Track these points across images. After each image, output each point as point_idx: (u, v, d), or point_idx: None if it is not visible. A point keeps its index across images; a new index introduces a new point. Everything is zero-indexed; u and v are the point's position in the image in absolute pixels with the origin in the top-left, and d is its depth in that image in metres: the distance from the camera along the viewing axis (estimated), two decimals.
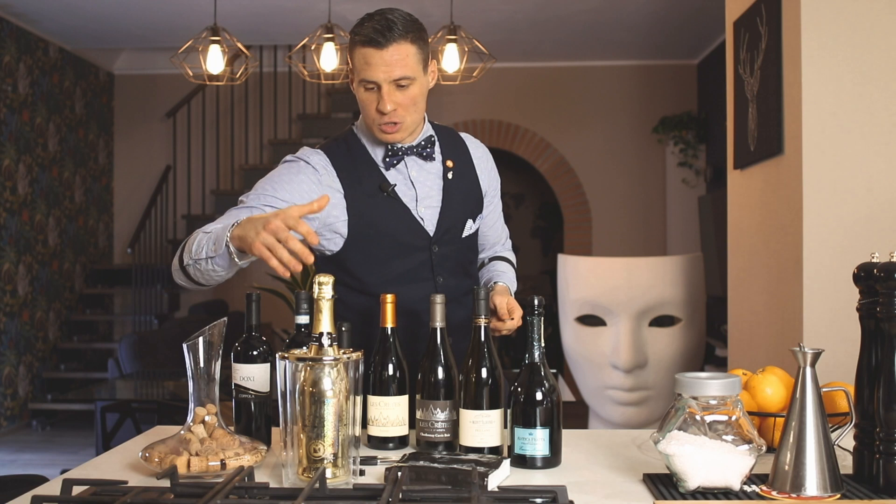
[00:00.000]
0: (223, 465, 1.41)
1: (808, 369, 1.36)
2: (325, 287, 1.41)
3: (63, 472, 1.55)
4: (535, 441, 1.50)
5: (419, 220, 1.92)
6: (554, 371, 1.60)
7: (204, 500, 1.17)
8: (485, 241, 2.13)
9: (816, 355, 1.37)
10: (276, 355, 1.41)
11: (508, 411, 1.56)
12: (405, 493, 1.23)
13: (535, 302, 1.56)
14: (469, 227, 1.99)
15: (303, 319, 1.73)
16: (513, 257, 2.19)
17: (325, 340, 1.41)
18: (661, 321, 4.42)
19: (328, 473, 1.37)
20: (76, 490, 1.30)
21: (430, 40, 5.70)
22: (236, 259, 1.60)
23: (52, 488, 1.37)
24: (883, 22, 2.88)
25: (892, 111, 2.88)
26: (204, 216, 7.77)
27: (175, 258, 1.76)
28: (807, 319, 2.89)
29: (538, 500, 1.25)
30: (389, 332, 1.68)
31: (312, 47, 5.19)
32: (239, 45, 5.10)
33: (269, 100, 7.87)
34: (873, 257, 1.43)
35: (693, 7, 6.14)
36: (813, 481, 1.32)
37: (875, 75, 2.88)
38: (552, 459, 1.52)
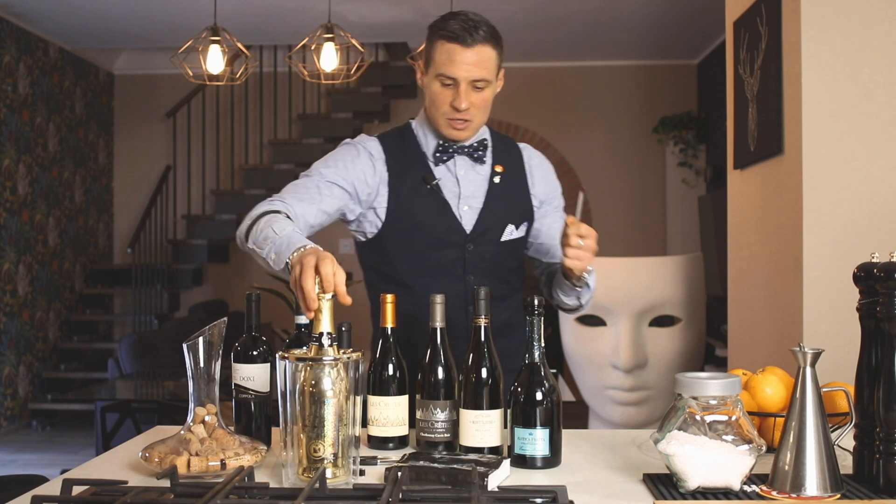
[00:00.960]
0: (223, 465, 1.41)
1: (808, 369, 1.36)
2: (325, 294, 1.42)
3: (63, 472, 1.54)
4: (535, 441, 1.50)
5: (458, 216, 1.95)
6: (554, 371, 1.60)
7: (204, 500, 1.17)
8: (548, 253, 2.09)
9: (816, 355, 1.37)
10: (276, 355, 1.41)
11: (508, 411, 1.56)
12: (405, 493, 1.23)
13: (535, 302, 1.56)
14: (510, 233, 1.99)
15: (303, 319, 1.73)
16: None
17: (325, 340, 1.41)
18: (661, 321, 4.41)
19: (328, 473, 1.37)
20: (76, 490, 1.30)
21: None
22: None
23: (52, 488, 1.37)
24: (883, 22, 2.88)
25: (892, 111, 2.88)
26: (204, 216, 7.77)
27: (244, 227, 1.77)
28: (807, 319, 2.89)
29: (538, 500, 1.25)
30: (389, 332, 1.68)
31: (312, 47, 5.19)
32: (239, 45, 5.10)
33: (269, 100, 7.87)
34: (873, 257, 1.43)
35: (693, 7, 6.14)
36: (813, 481, 1.32)
37: (875, 75, 2.88)
38: (552, 459, 1.52)
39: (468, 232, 1.95)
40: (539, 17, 6.37)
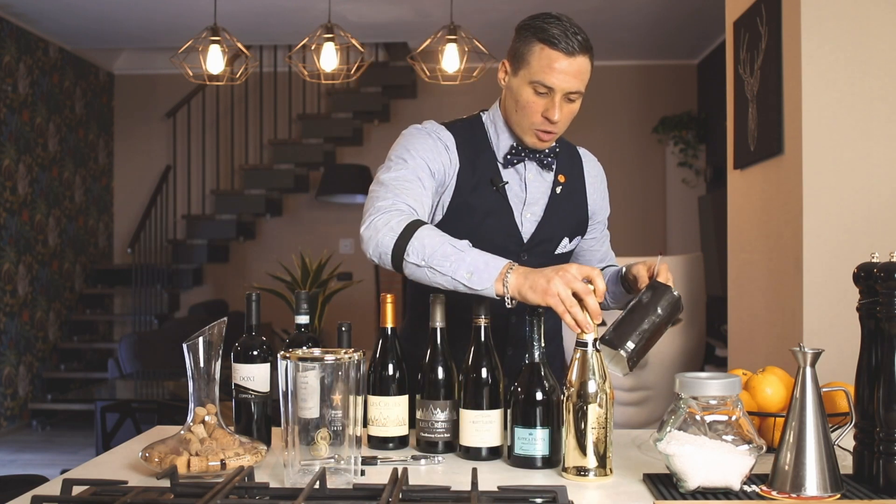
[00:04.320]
0: (223, 465, 1.41)
1: (808, 369, 1.36)
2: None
3: (63, 472, 1.55)
4: (535, 441, 1.50)
5: (518, 223, 1.88)
6: None
7: (204, 500, 1.17)
8: (591, 262, 2.06)
9: (816, 355, 1.37)
10: (278, 355, 1.41)
11: (509, 411, 1.56)
12: (405, 493, 1.24)
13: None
14: (563, 246, 1.93)
15: (303, 319, 1.73)
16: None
17: (591, 346, 1.48)
18: None
19: (591, 475, 1.44)
20: (76, 490, 1.30)
21: (429, 40, 5.71)
22: (508, 304, 1.55)
23: (52, 488, 1.37)
24: (883, 22, 2.88)
25: (892, 111, 2.88)
26: (204, 216, 7.77)
27: (386, 238, 1.64)
28: (807, 319, 2.89)
29: (538, 500, 1.25)
30: (389, 332, 1.68)
31: (312, 47, 5.19)
32: (239, 45, 5.10)
33: (269, 100, 7.87)
34: (873, 257, 1.43)
35: (693, 7, 6.14)
36: (813, 481, 1.32)
37: (875, 75, 2.88)
38: (552, 459, 1.51)
39: (525, 241, 1.88)
40: None
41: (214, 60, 5.04)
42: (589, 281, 1.50)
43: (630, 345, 1.57)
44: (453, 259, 1.58)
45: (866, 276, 1.41)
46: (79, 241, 7.52)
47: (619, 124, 7.80)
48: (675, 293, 1.68)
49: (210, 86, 7.25)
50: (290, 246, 7.63)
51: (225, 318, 1.54)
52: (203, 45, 5.01)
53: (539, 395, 1.51)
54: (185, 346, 1.48)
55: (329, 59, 5.17)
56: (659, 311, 1.63)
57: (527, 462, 1.51)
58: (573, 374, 1.46)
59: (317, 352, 1.43)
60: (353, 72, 5.39)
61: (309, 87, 7.75)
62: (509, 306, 1.55)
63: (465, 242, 1.62)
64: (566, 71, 1.73)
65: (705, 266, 5.23)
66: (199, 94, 7.76)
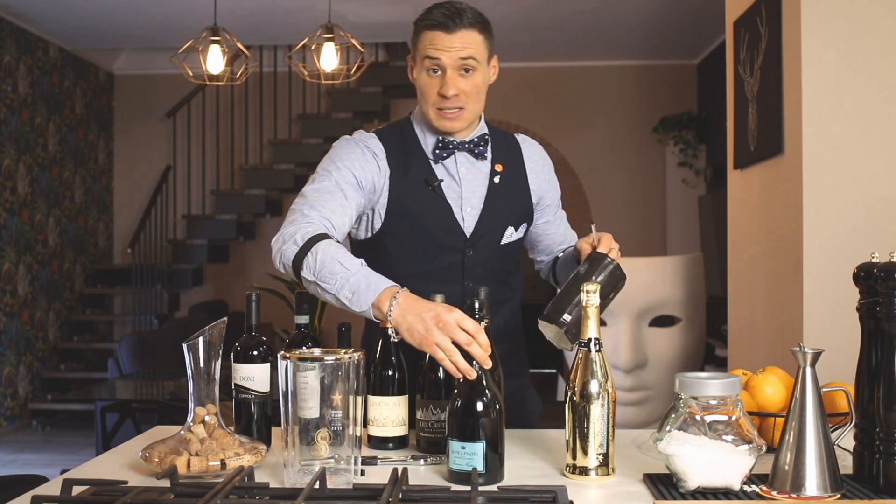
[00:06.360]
0: (223, 465, 1.41)
1: (808, 369, 1.36)
2: (592, 295, 1.46)
3: (63, 472, 1.55)
4: (469, 455, 1.41)
5: (459, 220, 1.87)
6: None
7: (204, 500, 1.17)
8: (550, 246, 2.07)
9: (816, 355, 1.37)
10: (278, 355, 1.41)
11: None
12: (405, 493, 1.24)
13: (476, 305, 1.51)
14: (509, 235, 1.93)
15: (303, 319, 1.73)
16: None
17: (593, 346, 1.46)
18: (661, 321, 4.41)
19: (593, 475, 1.43)
20: (76, 490, 1.30)
21: None
22: (392, 337, 1.58)
23: (52, 488, 1.37)
24: (883, 22, 2.88)
25: (892, 111, 2.88)
26: (204, 216, 7.77)
27: (291, 252, 1.65)
28: (807, 319, 2.89)
29: (538, 500, 1.25)
30: (389, 332, 1.68)
31: (312, 47, 5.20)
32: (239, 45, 5.10)
33: (269, 100, 7.87)
34: (873, 257, 1.43)
35: (693, 7, 6.14)
36: (813, 481, 1.32)
37: (875, 75, 2.88)
38: (488, 476, 1.41)
39: (468, 236, 1.87)
40: (538, 17, 6.37)
41: (214, 60, 5.04)
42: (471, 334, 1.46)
43: (567, 317, 1.57)
44: (339, 278, 1.59)
45: (866, 276, 1.41)
46: (79, 241, 7.53)
47: (619, 124, 7.81)
48: (611, 260, 1.69)
49: (210, 86, 7.24)
50: None
51: (225, 318, 1.54)
52: (203, 45, 5.02)
53: (479, 407, 1.41)
54: (185, 346, 1.48)
55: (329, 59, 5.17)
56: (595, 280, 1.63)
57: (460, 477, 1.41)
58: (576, 375, 1.45)
59: (317, 352, 1.43)
60: (353, 72, 5.39)
61: (309, 87, 7.75)
62: (394, 340, 1.58)
63: (358, 262, 1.61)
64: (449, 44, 1.77)
65: (705, 266, 5.23)
66: (199, 94, 7.77)
